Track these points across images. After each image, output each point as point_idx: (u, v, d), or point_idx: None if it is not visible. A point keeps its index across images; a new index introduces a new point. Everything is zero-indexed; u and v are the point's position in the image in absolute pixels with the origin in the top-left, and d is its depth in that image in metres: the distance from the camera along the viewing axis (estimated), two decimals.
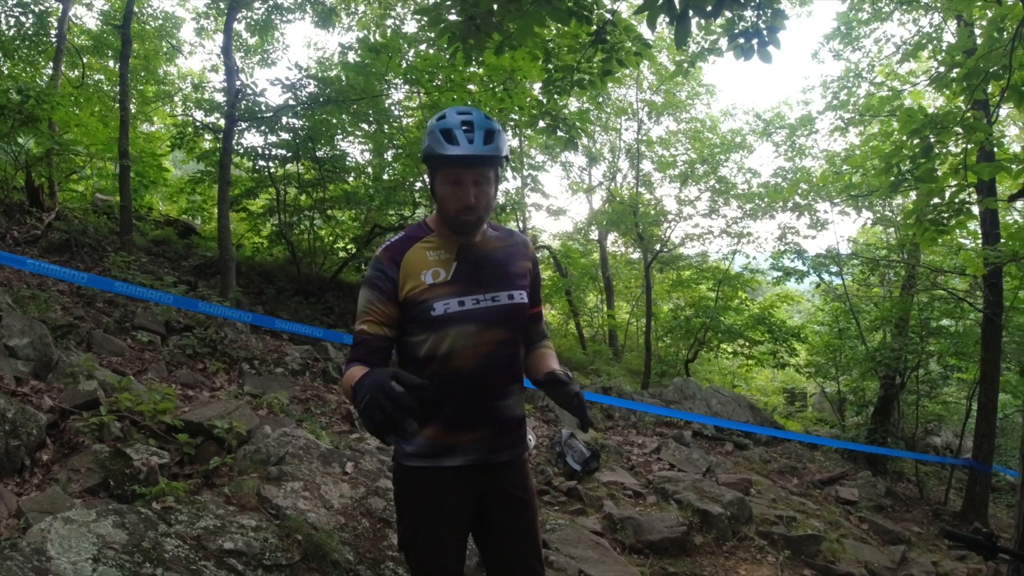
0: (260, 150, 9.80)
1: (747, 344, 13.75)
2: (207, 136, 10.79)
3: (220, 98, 10.01)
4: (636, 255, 16.71)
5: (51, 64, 11.35)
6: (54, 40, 10.86)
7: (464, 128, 2.06)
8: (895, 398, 10.87)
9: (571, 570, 3.87)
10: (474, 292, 2.18)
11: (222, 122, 9.37)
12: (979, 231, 8.75)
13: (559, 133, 5.93)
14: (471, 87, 8.05)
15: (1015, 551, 2.97)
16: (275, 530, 3.29)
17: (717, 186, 13.82)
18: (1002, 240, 8.03)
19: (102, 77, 13.55)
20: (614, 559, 4.24)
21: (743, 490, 6.20)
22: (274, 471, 3.78)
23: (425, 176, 9.95)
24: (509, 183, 12.97)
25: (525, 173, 14.35)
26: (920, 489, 9.44)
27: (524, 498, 2.32)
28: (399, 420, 1.69)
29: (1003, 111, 10.49)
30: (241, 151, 9.80)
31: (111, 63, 13.06)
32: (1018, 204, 10.11)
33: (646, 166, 15.99)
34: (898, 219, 11.87)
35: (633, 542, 4.62)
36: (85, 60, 12.49)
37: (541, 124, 6.04)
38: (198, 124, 10.22)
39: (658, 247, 14.71)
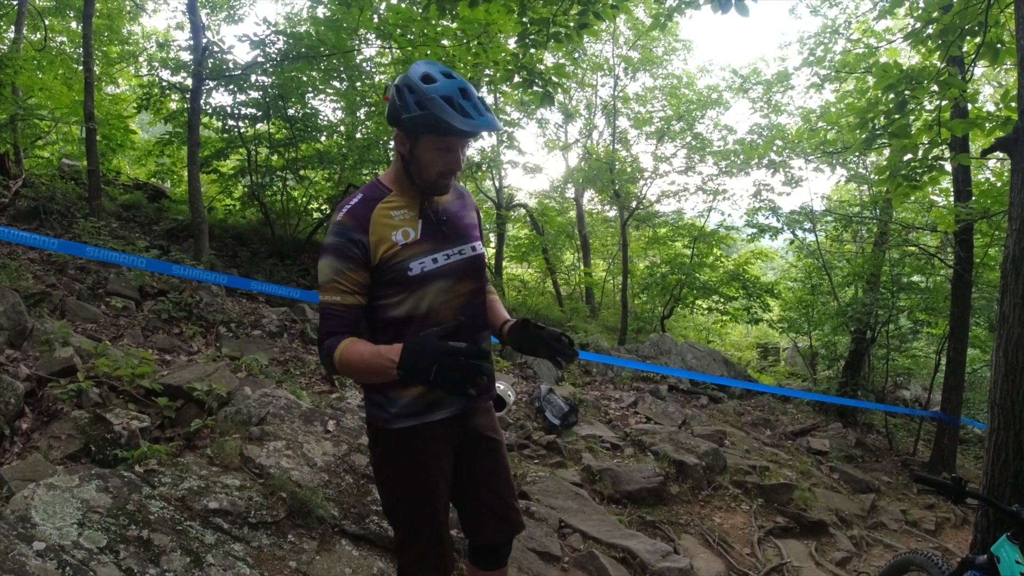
0: (229, 109, 9.58)
1: (722, 300, 13.93)
2: (174, 96, 10.52)
3: (186, 57, 9.73)
4: (612, 213, 16.72)
5: (12, 28, 10.93)
6: (15, 2, 10.44)
7: (463, 96, 2.03)
8: (866, 352, 11.10)
9: (552, 520, 3.97)
10: (444, 248, 2.20)
11: (189, 82, 9.13)
12: (951, 188, 8.85)
13: (535, 88, 5.87)
14: (444, 42, 7.90)
15: (983, 495, 3.09)
16: (259, 489, 3.32)
17: (693, 143, 13.82)
18: (973, 197, 8.14)
19: (65, 39, 13.12)
20: (593, 508, 4.34)
21: (718, 441, 6.34)
22: (256, 431, 3.79)
23: None
24: (484, 140, 12.84)
25: (500, 130, 14.21)
26: (889, 440, 9.70)
27: (497, 439, 2.44)
28: (478, 372, 1.86)
29: (978, 70, 10.57)
30: (210, 111, 9.58)
31: (74, 24, 12.61)
32: (990, 162, 10.23)
33: (622, 123, 15.93)
34: (872, 176, 11.98)
35: (612, 492, 4.73)
36: (47, 22, 12.06)
37: (516, 79, 5.96)
38: (164, 84, 9.95)
39: (634, 204, 14.73)
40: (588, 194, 16.74)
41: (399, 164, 2.18)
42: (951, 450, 8.46)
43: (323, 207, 10.98)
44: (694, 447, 5.70)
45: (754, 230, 12.78)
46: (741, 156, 12.85)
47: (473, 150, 12.10)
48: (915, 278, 11.07)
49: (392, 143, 9.25)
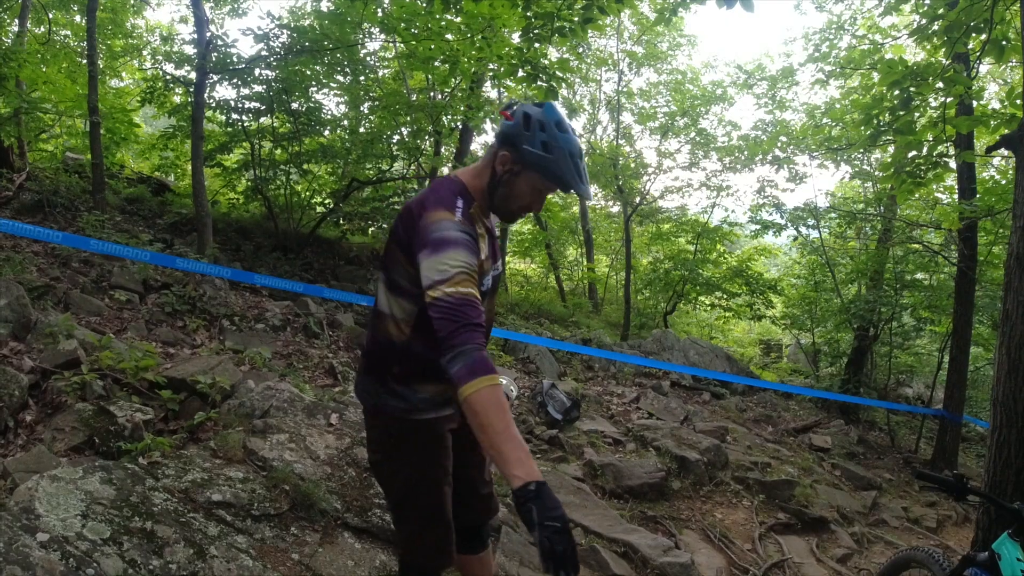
0: (233, 103, 9.58)
1: (725, 296, 13.92)
2: (178, 90, 10.53)
3: (190, 50, 9.73)
4: (616, 208, 16.69)
5: (16, 21, 10.93)
6: None
7: (579, 157, 2.10)
8: (868, 349, 11.09)
9: None
10: (495, 266, 2.29)
11: (193, 75, 9.13)
12: (956, 186, 8.82)
13: (539, 83, 5.86)
14: (448, 36, 7.89)
15: (985, 493, 3.09)
16: (262, 481, 3.33)
17: (697, 139, 13.80)
18: (978, 195, 8.11)
19: (68, 33, 13.13)
20: (595, 503, 4.35)
21: (719, 437, 6.35)
22: (259, 424, 3.81)
23: (403, 128, 9.82)
24: (488, 135, 12.84)
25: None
26: (891, 438, 9.69)
27: None
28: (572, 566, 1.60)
29: (983, 68, 10.51)
30: (213, 105, 9.58)
31: (77, 17, 12.61)
32: (995, 160, 10.19)
33: (626, 118, 15.90)
34: (876, 173, 11.94)
35: (613, 487, 4.74)
36: (51, 15, 12.05)
37: (521, 73, 5.95)
38: (168, 78, 9.95)
39: (638, 200, 14.71)
40: (591, 189, 16.71)
41: (486, 179, 2.17)
42: (953, 448, 8.45)
43: (326, 201, 10.99)
44: (696, 443, 5.71)
45: (757, 226, 12.75)
46: (745, 152, 12.82)
47: (477, 145, 12.10)
48: (918, 276, 11.04)
49: (395, 137, 9.20)
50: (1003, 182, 8.55)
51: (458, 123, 9.99)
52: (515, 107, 2.15)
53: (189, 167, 9.73)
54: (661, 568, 3.74)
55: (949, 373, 8.64)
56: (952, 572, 2.96)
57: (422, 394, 2.22)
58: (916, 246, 10.82)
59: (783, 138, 12.33)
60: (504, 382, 5.22)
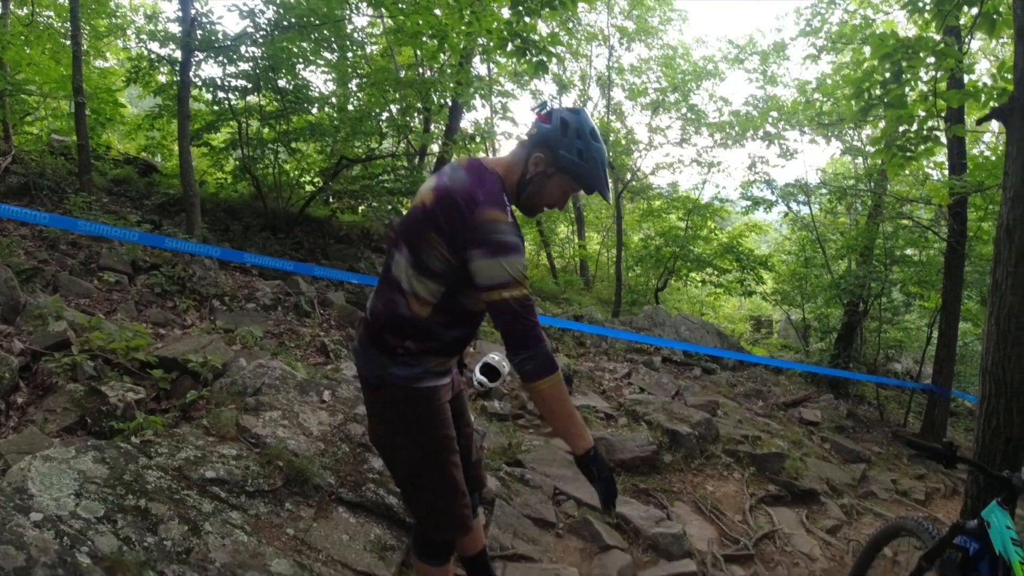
0: (219, 81, 9.44)
1: (715, 273, 13.96)
2: (163, 69, 10.35)
3: (175, 28, 9.56)
4: None
5: None
6: None
7: (607, 167, 2.32)
8: (858, 325, 11.16)
9: (546, 487, 4.01)
10: None
11: (178, 54, 8.99)
12: (946, 162, 8.83)
13: (529, 57, 5.80)
14: (437, 11, 7.80)
15: (974, 461, 3.12)
16: (256, 458, 3.33)
17: (688, 115, 13.75)
18: (968, 171, 8.12)
19: (52, 14, 12.86)
20: None
21: (710, 411, 6.40)
22: (251, 402, 3.80)
23: (392, 106, 9.73)
24: (478, 112, 12.73)
25: (495, 101, 14.08)
26: (880, 412, 9.79)
27: (463, 390, 2.70)
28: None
29: (975, 44, 10.49)
30: (199, 83, 9.44)
31: None
32: (985, 137, 10.20)
33: (617, 94, 15.80)
34: (867, 149, 11.94)
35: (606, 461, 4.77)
36: None
37: (510, 47, 5.89)
38: (153, 57, 9.79)
39: (629, 177, 14.67)
40: None
41: (516, 176, 2.25)
42: (942, 421, 8.54)
43: (315, 180, 10.90)
44: (687, 417, 5.75)
45: (748, 203, 12.77)
46: (736, 128, 12.80)
47: (467, 122, 12.00)
48: (908, 251, 11.09)
49: (384, 115, 9.10)
50: (993, 158, 8.54)
51: (447, 100, 9.90)
52: (549, 109, 2.26)
53: (176, 147, 9.61)
54: (653, 538, 3.79)
55: (938, 348, 8.71)
56: (941, 540, 2.97)
57: (428, 363, 2.28)
58: (906, 222, 10.86)
59: (774, 113, 12.30)
60: (496, 358, 5.23)
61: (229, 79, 9.44)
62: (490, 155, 15.88)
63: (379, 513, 3.24)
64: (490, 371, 5.32)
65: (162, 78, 10.51)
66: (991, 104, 5.34)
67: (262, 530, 2.98)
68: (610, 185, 2.37)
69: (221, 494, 3.09)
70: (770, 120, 12.17)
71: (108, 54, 14.78)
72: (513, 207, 2.27)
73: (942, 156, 8.80)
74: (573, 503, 3.99)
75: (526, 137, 2.30)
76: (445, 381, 2.39)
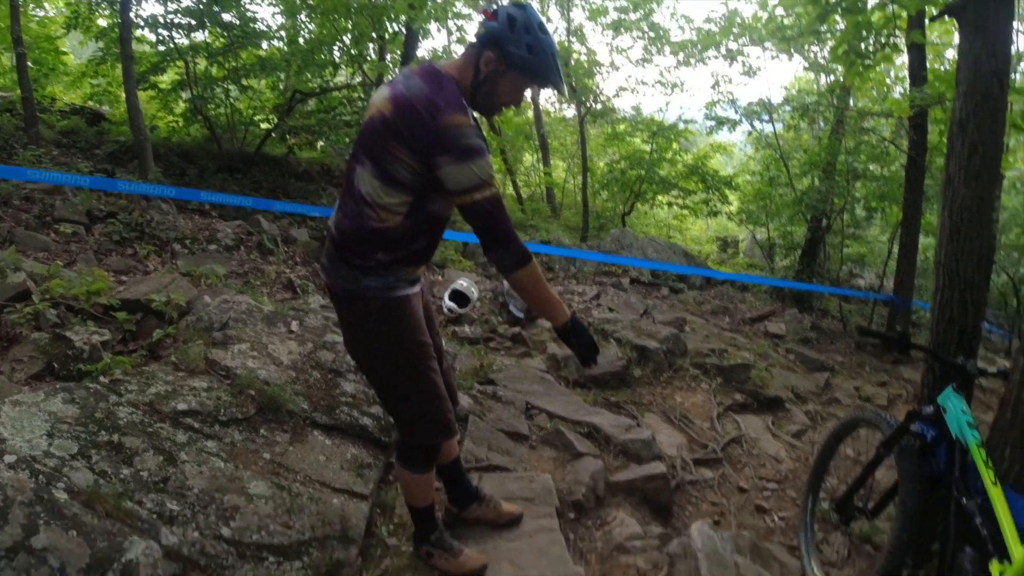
0: (162, 19, 9.05)
1: (681, 195, 13.99)
2: (103, 11, 9.88)
3: None
4: (570, 112, 16.45)
5: None
6: None
7: (558, 58, 2.32)
8: (821, 240, 11.34)
9: (519, 403, 4.10)
10: None
11: None
12: (907, 76, 8.83)
13: None
14: None
15: (928, 348, 3.19)
16: (227, 389, 3.34)
17: (651, 34, 13.50)
18: (928, 82, 8.14)
19: None
20: (559, 391, 4.49)
21: (678, 328, 6.52)
22: (219, 336, 3.79)
23: (345, 36, 9.41)
24: (435, 39, 12.38)
25: (451, 24, 13.61)
26: (844, 324, 10.03)
27: (430, 300, 2.74)
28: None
29: None
30: (141, 23, 9.04)
31: None
32: (948, 53, 10.13)
33: (577, 16, 15.46)
34: (829, 65, 11.88)
35: (576, 378, 4.87)
36: None
37: None
38: None
39: (591, 100, 14.47)
40: (545, 93, 16.35)
41: (469, 77, 2.25)
42: (903, 332, 8.76)
43: (270, 117, 10.60)
44: (655, 333, 5.86)
45: (712, 123, 12.73)
46: (699, 45, 12.63)
47: (423, 51, 11.67)
48: (871, 167, 11.20)
49: (336, 46, 8.77)
50: (952, 70, 8.55)
51: (402, 26, 9.60)
52: (496, 7, 2.24)
53: (123, 92, 9.25)
54: (623, 445, 3.91)
55: (899, 260, 8.89)
56: (898, 428, 3.05)
57: (399, 273, 2.31)
58: (868, 137, 10.93)
59: (736, 29, 12.14)
60: (465, 284, 5.26)
61: (172, 16, 9.04)
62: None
63: (354, 434, 3.28)
64: (459, 297, 5.35)
65: (102, 21, 10.04)
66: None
67: (238, 456, 3.01)
68: (565, 79, 2.36)
69: (195, 425, 3.10)
70: (732, 35, 12.02)
71: (46, 3, 14.07)
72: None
73: (904, 73, 8.80)
74: (545, 416, 4.08)
75: (475, 39, 2.26)
76: (415, 290, 2.42)
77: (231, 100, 10.05)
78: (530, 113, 16.03)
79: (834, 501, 3.38)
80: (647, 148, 14.29)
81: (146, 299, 4.32)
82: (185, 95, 9.83)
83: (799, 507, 3.82)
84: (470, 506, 2.99)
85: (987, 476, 2.47)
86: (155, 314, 4.28)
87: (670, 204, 14.53)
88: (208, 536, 2.63)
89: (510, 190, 15.59)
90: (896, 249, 9.24)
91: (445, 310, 5.29)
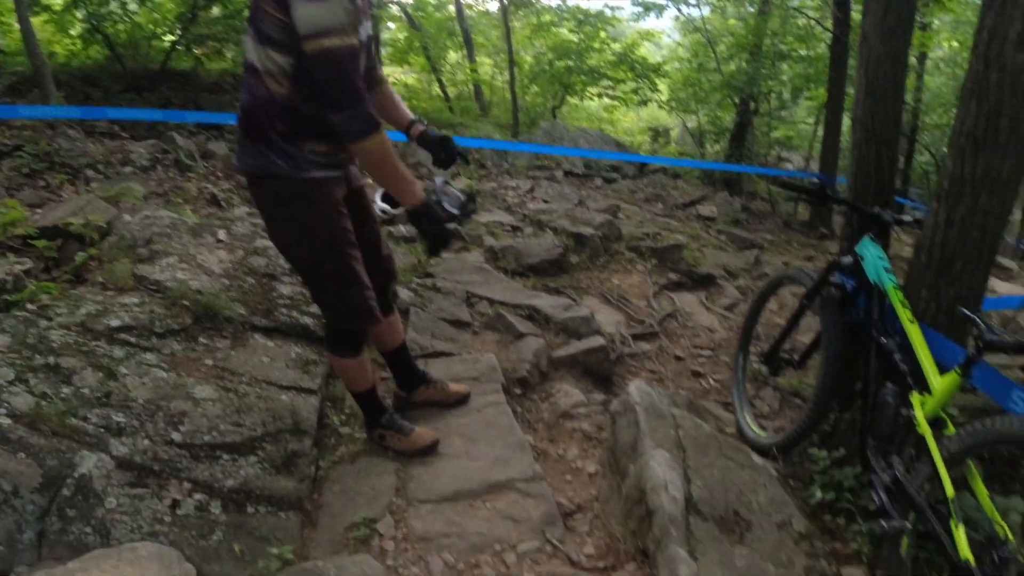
0: None
1: (611, 85, 13.86)
2: None
3: None
4: (493, 5, 15.89)
5: None
6: None
7: None
8: (749, 123, 11.48)
9: (459, 292, 4.17)
10: (365, 20, 2.20)
11: None
12: None
13: None
14: None
15: (846, 200, 3.29)
16: (159, 302, 3.30)
17: None
18: None
19: None
20: (498, 279, 4.57)
21: (612, 214, 6.63)
22: (145, 252, 3.70)
23: None
24: None
25: None
26: (772, 205, 10.32)
27: (364, 185, 2.72)
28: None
29: None
30: None
31: None
32: None
33: None
34: None
35: (515, 267, 4.95)
36: None
37: None
38: None
39: None
40: None
41: None
42: (821, 185, 9.01)
43: (173, 28, 9.93)
44: (590, 220, 5.95)
45: (639, 8, 12.51)
46: None
47: None
48: (797, 49, 11.23)
49: None
50: None
51: None
52: None
53: (14, 21, 8.52)
54: (563, 323, 4.04)
55: (824, 139, 9.08)
56: (819, 279, 3.19)
57: (308, 153, 2.24)
58: (794, 16, 10.91)
59: None
60: None
61: None
62: None
63: (296, 334, 3.31)
64: (391, 198, 5.29)
65: None
66: None
67: (179, 365, 3.01)
68: None
69: (131, 339, 3.07)
70: None
71: None
72: None
73: None
74: (486, 303, 4.16)
75: None
76: (333, 174, 2.37)
77: (129, 14, 9.36)
78: (451, 7, 15.38)
79: (762, 355, 3.58)
80: (574, 38, 13.98)
81: (64, 224, 4.15)
82: (80, 14, 9.12)
83: (732, 365, 4.04)
84: (418, 389, 3.09)
85: (904, 315, 2.63)
86: (75, 238, 4.13)
87: (600, 95, 14.36)
88: (159, 442, 2.67)
89: (436, 90, 15.14)
90: (821, 131, 9.42)
91: (378, 211, 5.24)
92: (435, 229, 2.36)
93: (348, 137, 2.08)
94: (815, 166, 10.71)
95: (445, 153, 2.84)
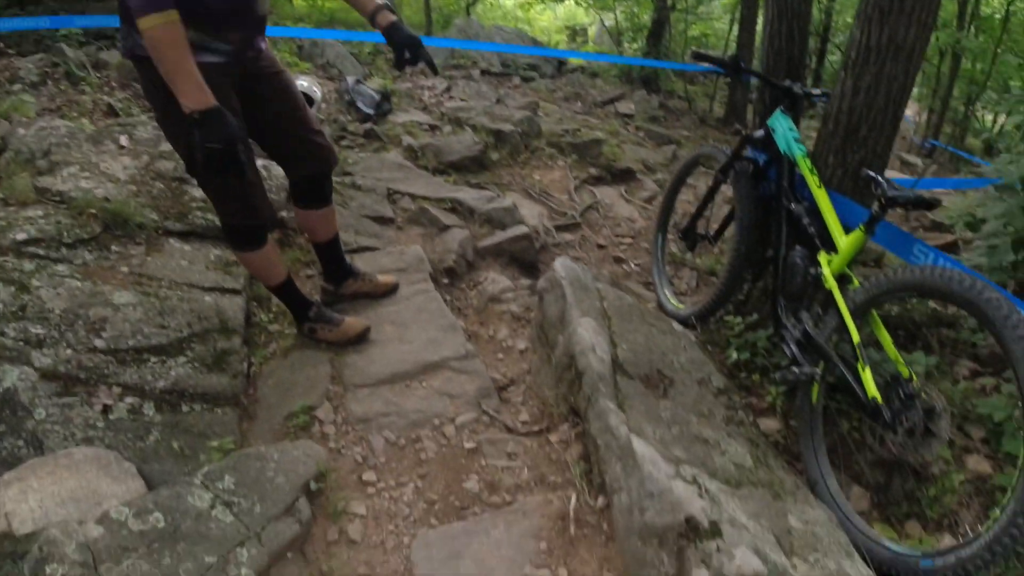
0: None
1: None
2: None
3: None
4: None
5: None
6: None
7: None
8: (667, 20, 11.41)
9: (380, 189, 4.12)
10: None
11: None
12: None
13: None
14: None
15: (758, 72, 3.32)
16: (65, 213, 3.15)
17: None
18: None
19: None
20: (419, 174, 4.53)
21: (532, 111, 6.59)
22: (44, 164, 3.49)
23: None
24: None
25: None
26: (689, 103, 10.42)
27: (282, 71, 2.54)
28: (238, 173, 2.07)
29: None
30: None
31: None
32: None
33: None
34: None
35: (435, 165, 4.90)
36: None
37: None
38: None
39: None
40: None
41: None
42: (743, 103, 9.18)
43: None
44: (509, 117, 5.91)
45: None
46: None
47: None
48: None
49: None
50: None
51: None
52: None
53: None
54: (487, 214, 4.07)
55: (740, 33, 9.11)
56: (732, 153, 3.25)
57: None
58: None
59: None
60: (306, 84, 5.00)
61: None
62: None
63: (213, 236, 3.22)
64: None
65: None
66: None
67: (94, 274, 2.91)
68: None
69: (39, 252, 2.94)
70: None
71: None
72: None
73: None
74: (408, 199, 4.13)
75: None
76: (216, 59, 2.20)
77: None
78: None
79: (679, 231, 3.71)
80: None
81: None
82: None
83: (651, 249, 4.18)
84: (346, 282, 3.09)
85: (813, 181, 2.75)
86: None
87: None
88: (82, 351, 2.61)
89: None
90: (737, 29, 9.44)
91: None
92: (210, 143, 1.99)
93: (136, 10, 1.88)
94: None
95: (411, 54, 2.49)
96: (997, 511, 1.90)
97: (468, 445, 2.48)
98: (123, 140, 3.63)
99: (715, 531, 1.75)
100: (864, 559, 2.04)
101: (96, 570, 1.75)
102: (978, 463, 2.51)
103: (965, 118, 12.32)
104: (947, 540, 2.26)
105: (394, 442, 2.50)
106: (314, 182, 2.71)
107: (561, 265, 2.86)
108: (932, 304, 3.56)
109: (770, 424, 2.75)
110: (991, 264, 3.04)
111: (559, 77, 9.77)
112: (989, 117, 13.13)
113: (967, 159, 10.18)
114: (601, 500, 2.14)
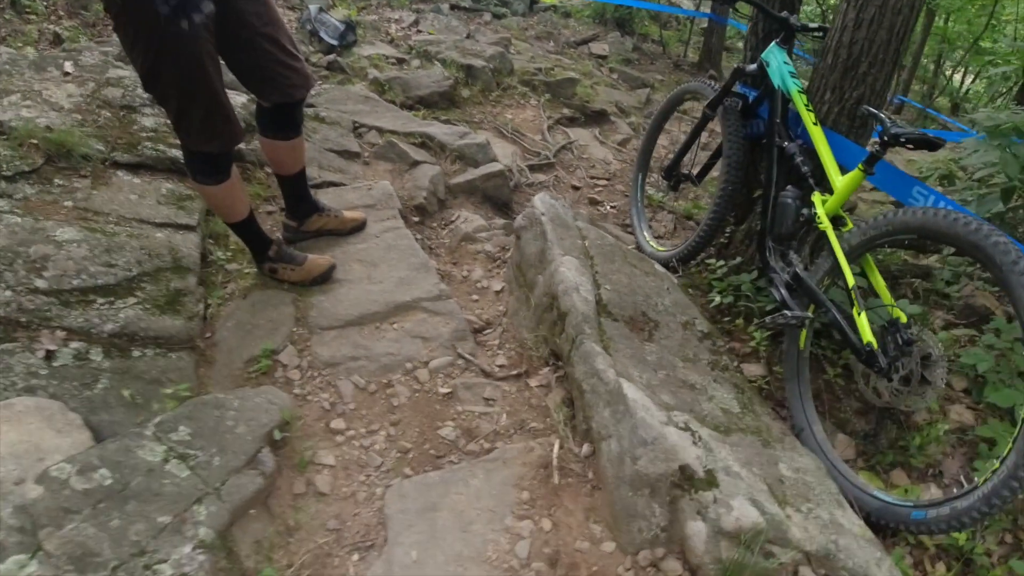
0: None
1: None
2: None
3: None
4: None
5: None
6: None
7: None
8: None
9: (345, 122, 3.88)
10: None
11: None
12: None
13: None
14: None
15: (754, 1, 3.12)
16: (4, 143, 2.87)
17: None
18: None
19: None
20: (387, 108, 4.29)
21: (503, 47, 6.32)
22: None
23: None
24: None
25: None
26: (663, 47, 10.19)
27: None
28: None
29: None
30: None
31: None
32: None
33: None
34: None
35: (403, 99, 4.65)
36: None
37: None
38: None
39: None
40: None
41: None
42: (718, 50, 8.98)
43: None
44: (481, 52, 5.64)
45: None
46: None
47: None
48: None
49: None
50: None
51: None
52: None
53: None
54: (459, 150, 3.87)
55: None
56: (723, 87, 3.10)
57: None
58: None
59: None
60: None
61: None
62: None
63: (165, 169, 2.98)
64: None
65: None
66: None
67: (35, 209, 2.67)
68: None
69: None
70: None
71: None
72: None
73: None
74: (375, 132, 3.90)
75: None
76: None
77: None
78: None
79: (663, 170, 3.56)
80: None
81: None
82: None
83: (630, 188, 4.04)
84: (310, 218, 2.89)
85: (808, 118, 2.62)
86: None
87: None
88: (22, 292, 2.40)
89: None
90: None
91: None
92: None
93: None
94: (706, 7, 10.54)
95: None
96: (996, 462, 1.84)
97: (443, 390, 2.35)
98: (68, 66, 3.33)
99: (711, 481, 1.65)
100: (853, 509, 1.98)
101: (36, 536, 1.59)
102: (960, 413, 2.47)
103: (935, 76, 12.30)
104: (933, 490, 2.21)
105: (364, 387, 2.36)
106: (286, 110, 2.49)
107: (540, 201, 2.70)
108: (904, 256, 3.51)
109: (753, 369, 2.67)
110: (980, 213, 2.97)
111: (531, 15, 9.44)
112: (957, 77, 13.11)
113: (935, 116, 10.16)
114: (586, 447, 2.03)
